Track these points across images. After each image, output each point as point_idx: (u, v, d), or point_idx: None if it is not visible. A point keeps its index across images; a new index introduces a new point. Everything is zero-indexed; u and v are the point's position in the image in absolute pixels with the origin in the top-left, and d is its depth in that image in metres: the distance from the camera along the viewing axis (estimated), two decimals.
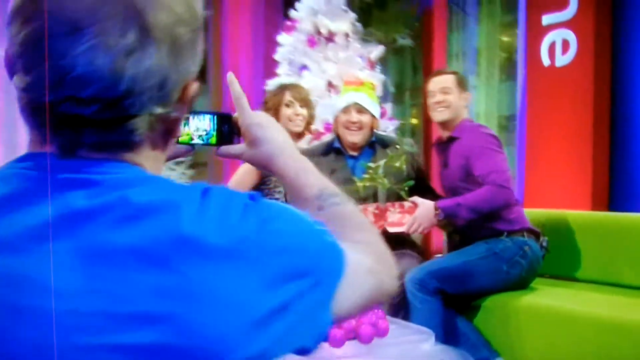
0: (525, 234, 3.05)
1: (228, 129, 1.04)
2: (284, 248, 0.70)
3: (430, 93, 3.18)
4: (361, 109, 3.19)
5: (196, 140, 1.02)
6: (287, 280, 0.69)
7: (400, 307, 2.97)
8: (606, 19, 4.97)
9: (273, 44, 4.67)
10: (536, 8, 5.15)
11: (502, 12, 6.66)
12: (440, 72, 3.33)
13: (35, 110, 0.66)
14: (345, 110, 3.20)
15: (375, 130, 3.32)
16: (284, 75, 4.36)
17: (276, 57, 4.50)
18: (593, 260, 3.27)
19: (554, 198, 4.99)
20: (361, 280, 0.82)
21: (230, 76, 1.05)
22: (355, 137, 3.20)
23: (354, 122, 3.18)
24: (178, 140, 0.98)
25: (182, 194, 0.68)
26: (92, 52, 0.61)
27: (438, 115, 3.16)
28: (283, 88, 3.13)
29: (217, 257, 0.64)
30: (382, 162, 3.05)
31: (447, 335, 2.83)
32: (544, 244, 3.10)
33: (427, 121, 6.43)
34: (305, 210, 0.90)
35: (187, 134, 1.01)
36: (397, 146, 3.31)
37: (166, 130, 0.74)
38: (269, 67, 4.77)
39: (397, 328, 2.34)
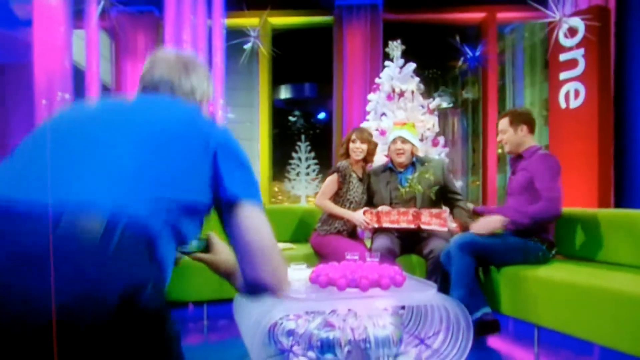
0: (547, 243, 2.87)
1: (207, 247, 1.26)
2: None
3: (498, 132, 3.07)
4: (404, 140, 3.29)
5: (194, 249, 1.25)
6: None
7: (434, 271, 3.03)
8: (606, 73, 4.87)
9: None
10: (556, 67, 5.11)
11: (539, 72, 6.58)
12: (500, 117, 3.11)
13: None
14: (394, 141, 3.33)
15: (415, 154, 3.40)
16: (371, 119, 4.62)
17: (367, 108, 4.75)
18: (594, 244, 3.01)
19: (572, 200, 4.92)
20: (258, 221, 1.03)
21: (211, 236, 1.27)
22: (400, 159, 3.31)
23: (399, 149, 3.29)
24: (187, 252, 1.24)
25: None
26: None
27: (504, 149, 3.07)
28: (352, 131, 3.43)
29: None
30: (416, 175, 3.19)
31: (465, 283, 2.78)
32: (554, 252, 2.94)
33: (484, 148, 6.48)
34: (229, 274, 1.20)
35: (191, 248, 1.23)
36: (427, 163, 3.35)
37: None
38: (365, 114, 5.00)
39: (411, 282, 2.32)
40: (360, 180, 3.41)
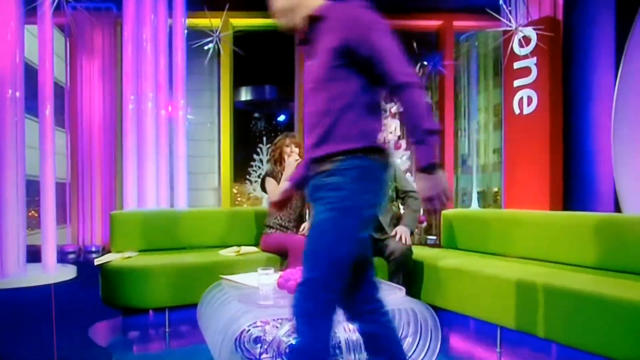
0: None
1: None
2: None
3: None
4: None
5: None
6: None
7: (396, 273, 3.00)
8: (557, 80, 5.00)
9: None
10: (510, 75, 5.21)
11: (492, 78, 6.72)
12: None
13: None
14: None
15: None
16: None
17: None
18: (543, 245, 2.93)
19: (524, 202, 5.02)
20: None
21: None
22: None
23: None
24: None
25: None
26: None
27: (279, 25, 1.67)
28: (285, 136, 3.64)
29: None
30: None
31: None
32: None
33: (441, 150, 6.54)
34: None
35: None
36: None
37: None
38: None
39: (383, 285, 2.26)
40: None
